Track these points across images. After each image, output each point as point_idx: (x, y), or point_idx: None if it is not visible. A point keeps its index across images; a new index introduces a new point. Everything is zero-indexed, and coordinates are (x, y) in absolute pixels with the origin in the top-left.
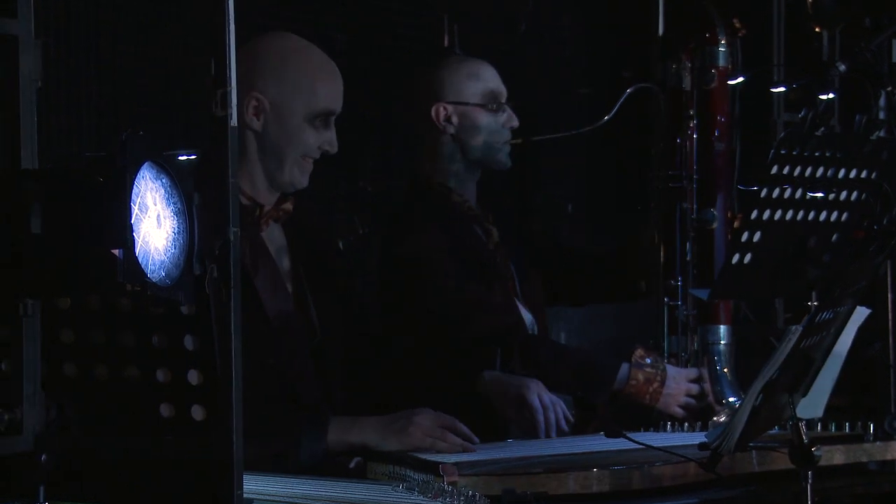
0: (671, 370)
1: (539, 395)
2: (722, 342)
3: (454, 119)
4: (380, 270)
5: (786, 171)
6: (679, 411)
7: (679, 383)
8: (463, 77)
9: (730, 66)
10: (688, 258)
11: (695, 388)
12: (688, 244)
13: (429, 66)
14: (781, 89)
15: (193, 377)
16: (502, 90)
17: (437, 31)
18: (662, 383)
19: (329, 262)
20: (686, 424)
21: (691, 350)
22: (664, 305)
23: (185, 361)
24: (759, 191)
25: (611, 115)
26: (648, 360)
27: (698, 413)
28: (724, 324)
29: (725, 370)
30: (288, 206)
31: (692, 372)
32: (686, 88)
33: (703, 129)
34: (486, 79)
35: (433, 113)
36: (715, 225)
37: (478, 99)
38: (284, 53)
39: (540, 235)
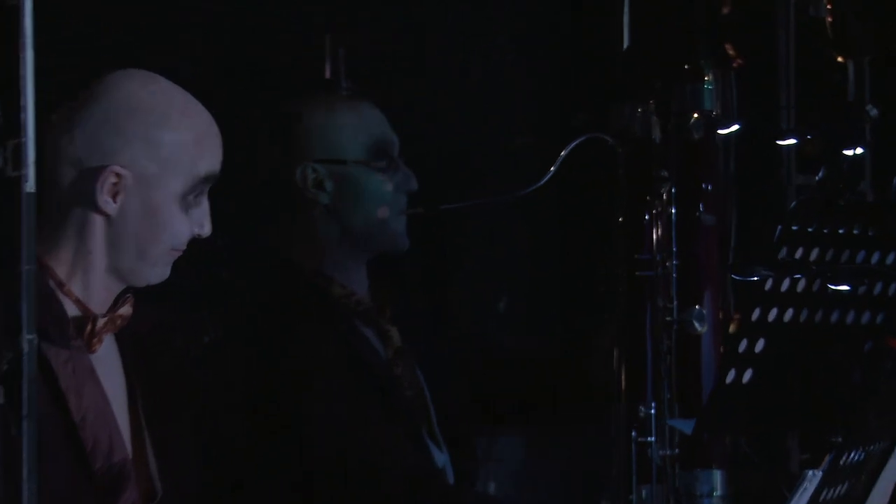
0: None
1: None
2: (715, 493)
3: (327, 184)
4: (243, 390)
5: (798, 254)
6: None
7: None
8: (337, 125)
9: (719, 111)
10: (663, 376)
11: None
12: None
13: (290, 113)
14: (792, 141)
15: None
16: (393, 140)
17: (319, 60)
18: None
19: (173, 387)
20: None
21: None
22: (631, 442)
23: None
24: (763, 282)
25: (548, 176)
26: None
27: None
28: (717, 468)
29: None
30: (127, 309)
31: None
32: (656, 140)
33: (684, 197)
34: (370, 125)
35: (298, 176)
36: (702, 329)
37: (360, 154)
38: (156, 107)
39: (460, 337)
